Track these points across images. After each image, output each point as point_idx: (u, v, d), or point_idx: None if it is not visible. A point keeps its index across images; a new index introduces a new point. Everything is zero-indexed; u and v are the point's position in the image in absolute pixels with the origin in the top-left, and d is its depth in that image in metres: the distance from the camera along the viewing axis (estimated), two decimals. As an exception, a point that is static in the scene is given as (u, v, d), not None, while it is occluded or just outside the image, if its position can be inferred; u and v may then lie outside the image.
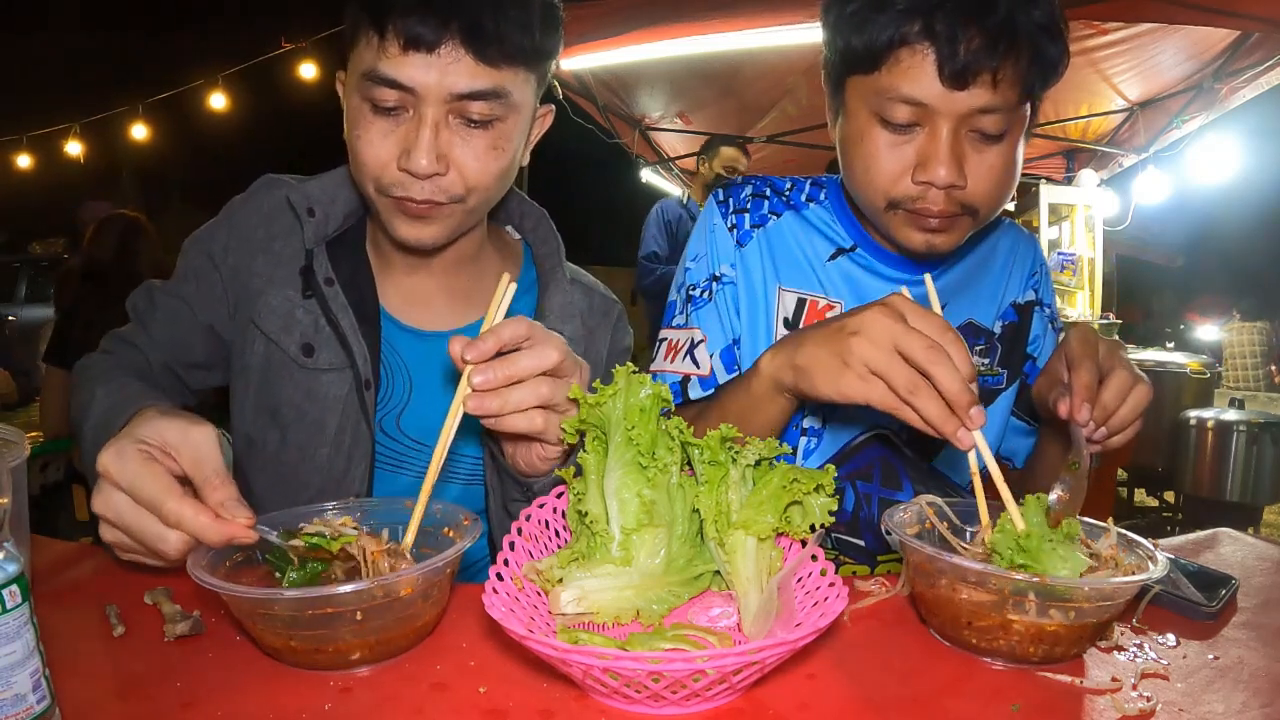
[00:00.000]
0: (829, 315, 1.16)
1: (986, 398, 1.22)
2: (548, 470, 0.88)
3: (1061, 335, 1.14)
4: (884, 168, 1.01)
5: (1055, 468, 1.10)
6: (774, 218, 1.21)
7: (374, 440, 1.05)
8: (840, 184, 1.21)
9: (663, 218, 4.11)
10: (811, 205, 1.23)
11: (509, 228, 1.23)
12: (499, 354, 0.77)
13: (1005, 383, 1.24)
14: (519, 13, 0.92)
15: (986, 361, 1.23)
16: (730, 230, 1.20)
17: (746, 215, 1.21)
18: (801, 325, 1.16)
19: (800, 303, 1.18)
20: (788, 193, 1.23)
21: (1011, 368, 1.24)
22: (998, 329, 1.24)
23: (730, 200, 1.23)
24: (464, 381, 0.76)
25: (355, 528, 0.76)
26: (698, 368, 1.16)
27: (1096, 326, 4.73)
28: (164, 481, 0.71)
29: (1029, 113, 1.01)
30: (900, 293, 0.84)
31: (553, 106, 1.09)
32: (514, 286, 0.81)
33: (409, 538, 0.76)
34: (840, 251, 1.19)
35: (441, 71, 0.89)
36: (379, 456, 1.08)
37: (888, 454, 1.17)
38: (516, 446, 0.87)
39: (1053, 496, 0.82)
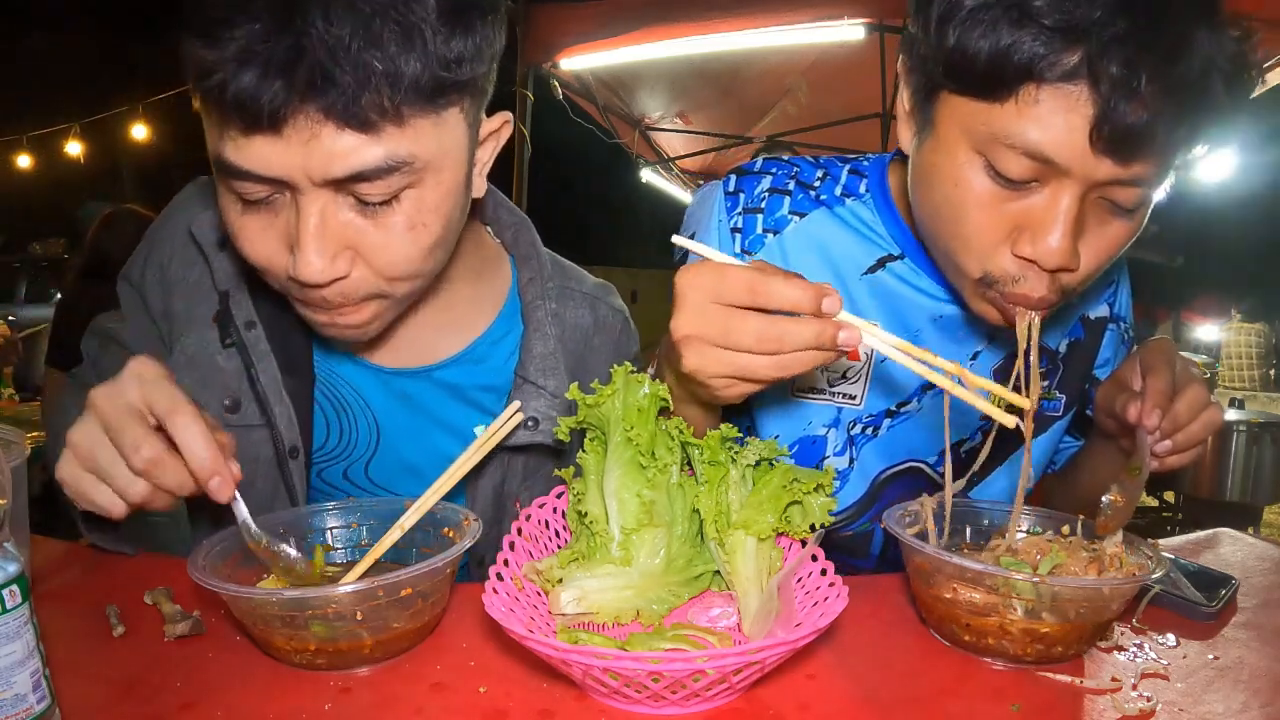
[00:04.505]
0: None
1: (1040, 425, 1.06)
2: None
3: (1134, 348, 1.04)
4: (986, 232, 0.77)
5: (1098, 471, 1.04)
6: (796, 219, 0.99)
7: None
8: (884, 170, 1.00)
9: None
10: (849, 201, 0.99)
11: (489, 229, 1.06)
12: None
13: (1063, 409, 1.07)
14: (396, 33, 0.64)
15: (1046, 385, 1.05)
16: (733, 233, 0.99)
17: (759, 216, 0.99)
18: None
19: None
20: (817, 185, 1.00)
21: (1071, 393, 1.07)
22: (1063, 349, 1.06)
23: (741, 194, 1.01)
24: (445, 483, 0.77)
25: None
26: None
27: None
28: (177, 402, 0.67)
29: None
30: (684, 269, 0.69)
31: (508, 116, 0.86)
32: (519, 416, 0.80)
33: (362, 567, 0.76)
34: (883, 261, 0.97)
35: (305, 154, 0.66)
36: None
37: (920, 488, 1.02)
38: None
39: (1106, 499, 0.77)
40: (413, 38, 0.65)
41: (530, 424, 0.92)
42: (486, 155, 0.85)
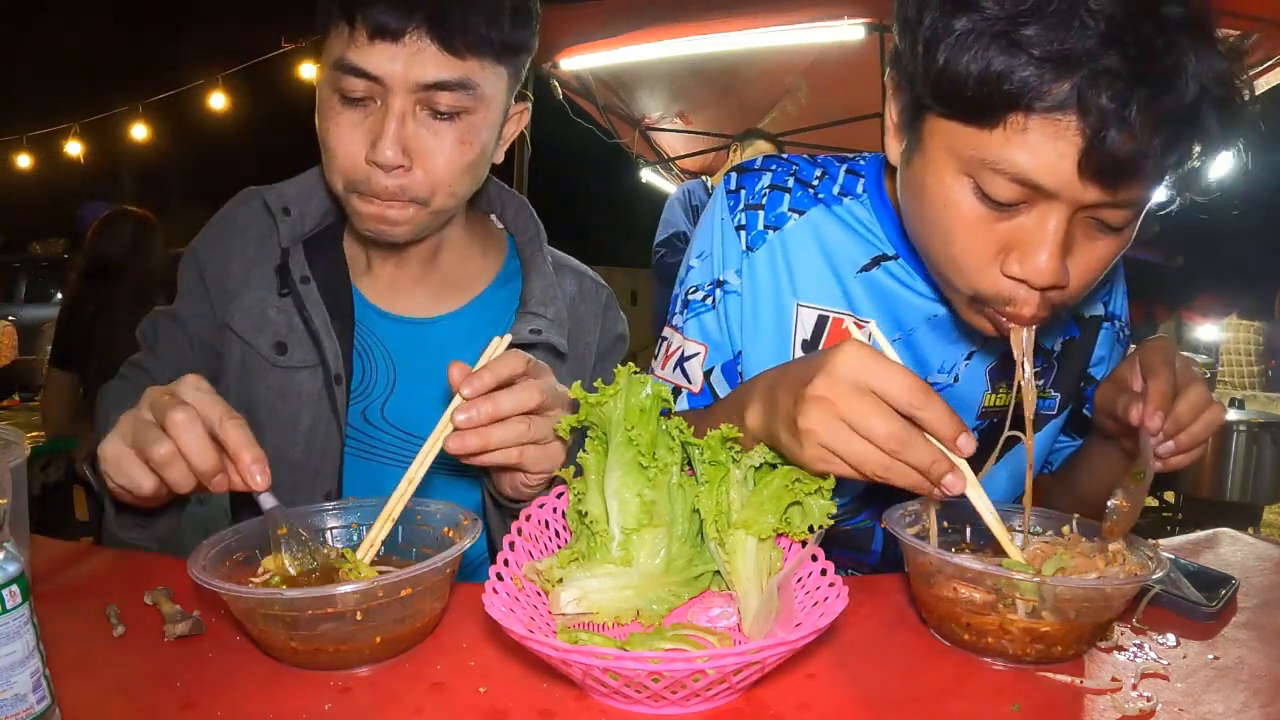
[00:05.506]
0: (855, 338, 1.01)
1: (1035, 424, 1.05)
2: (532, 496, 0.88)
3: (1131, 347, 1.03)
4: (975, 253, 0.78)
5: (1098, 470, 1.05)
6: (795, 216, 1.01)
7: (343, 436, 1.06)
8: (881, 171, 1.02)
9: (689, 200, 3.90)
10: (846, 200, 1.01)
11: (493, 216, 1.24)
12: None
13: (1057, 408, 1.08)
14: (487, 5, 0.93)
15: (1040, 383, 1.06)
16: (738, 230, 1.02)
17: (760, 213, 1.02)
18: (821, 347, 0.98)
19: (822, 320, 0.99)
20: (815, 184, 1.02)
21: (1066, 391, 1.08)
22: (1057, 347, 1.07)
23: (743, 191, 1.03)
24: (448, 414, 0.78)
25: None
26: (689, 382, 1.04)
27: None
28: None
29: None
30: (857, 342, 0.69)
31: (528, 105, 1.09)
32: (507, 339, 0.84)
33: (369, 551, 0.78)
34: (878, 260, 0.99)
35: (407, 61, 0.90)
36: (364, 449, 1.08)
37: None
38: (500, 474, 0.90)
39: (1111, 503, 0.78)
40: (499, 13, 0.94)
41: (534, 333, 1.07)
42: (509, 131, 1.07)
